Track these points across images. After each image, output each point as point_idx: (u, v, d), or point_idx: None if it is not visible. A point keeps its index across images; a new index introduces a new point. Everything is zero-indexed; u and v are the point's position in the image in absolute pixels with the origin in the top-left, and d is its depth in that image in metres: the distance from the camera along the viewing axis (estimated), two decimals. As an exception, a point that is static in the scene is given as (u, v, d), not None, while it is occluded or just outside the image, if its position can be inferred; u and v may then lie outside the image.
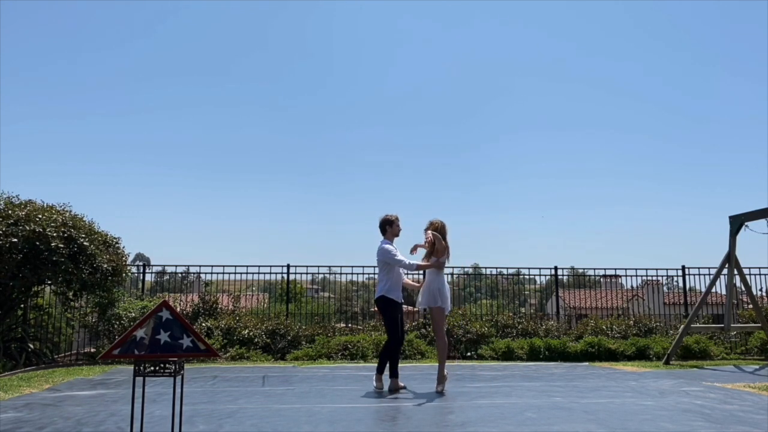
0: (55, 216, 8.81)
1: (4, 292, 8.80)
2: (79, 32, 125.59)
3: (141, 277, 11.68)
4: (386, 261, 6.15)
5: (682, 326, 9.73)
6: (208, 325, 10.11)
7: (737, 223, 9.26)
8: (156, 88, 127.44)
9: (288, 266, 11.55)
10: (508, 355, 10.00)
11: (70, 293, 9.33)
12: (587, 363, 9.42)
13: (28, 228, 8.38)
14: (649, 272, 12.68)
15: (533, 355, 10.01)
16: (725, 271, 9.39)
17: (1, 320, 8.82)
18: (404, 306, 6.49)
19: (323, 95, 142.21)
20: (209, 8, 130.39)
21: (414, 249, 6.31)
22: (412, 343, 9.95)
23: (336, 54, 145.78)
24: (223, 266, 11.45)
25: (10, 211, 8.59)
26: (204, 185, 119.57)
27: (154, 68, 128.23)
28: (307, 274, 12.01)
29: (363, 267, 11.65)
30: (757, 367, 8.89)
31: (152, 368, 3.25)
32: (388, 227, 6.31)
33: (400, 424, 4.49)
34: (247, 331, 10.04)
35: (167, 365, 3.26)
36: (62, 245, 8.53)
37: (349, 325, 12.40)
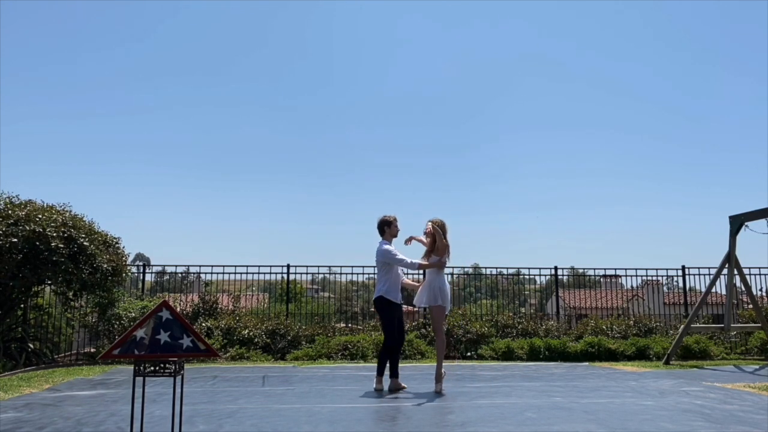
0: (55, 216, 8.81)
1: (4, 292, 8.80)
2: (79, 32, 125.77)
3: (141, 277, 11.68)
4: (387, 261, 6.14)
5: (682, 326, 9.73)
6: (208, 325, 10.11)
7: (737, 223, 9.26)
8: (156, 88, 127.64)
9: (288, 266, 11.56)
10: (508, 355, 10.00)
11: (70, 293, 9.33)
12: (587, 363, 9.42)
13: (28, 228, 8.38)
14: (649, 272, 12.71)
15: (533, 355, 10.01)
16: (725, 271, 9.39)
17: (1, 320, 8.82)
18: (404, 306, 6.49)
19: (323, 95, 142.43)
20: (209, 8, 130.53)
21: (408, 240, 6.31)
22: (412, 343, 9.95)
23: (336, 54, 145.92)
24: (223, 266, 11.48)
25: (10, 211, 8.59)
26: (204, 185, 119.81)
27: (154, 68, 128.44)
28: (307, 274, 12.04)
29: (363, 267, 11.68)
30: (757, 367, 8.89)
31: (152, 368, 3.25)
32: (387, 228, 6.31)
33: (400, 424, 4.50)
34: (247, 331, 10.04)
35: (167, 365, 3.26)
36: (62, 245, 8.53)
37: (349, 325, 12.40)
